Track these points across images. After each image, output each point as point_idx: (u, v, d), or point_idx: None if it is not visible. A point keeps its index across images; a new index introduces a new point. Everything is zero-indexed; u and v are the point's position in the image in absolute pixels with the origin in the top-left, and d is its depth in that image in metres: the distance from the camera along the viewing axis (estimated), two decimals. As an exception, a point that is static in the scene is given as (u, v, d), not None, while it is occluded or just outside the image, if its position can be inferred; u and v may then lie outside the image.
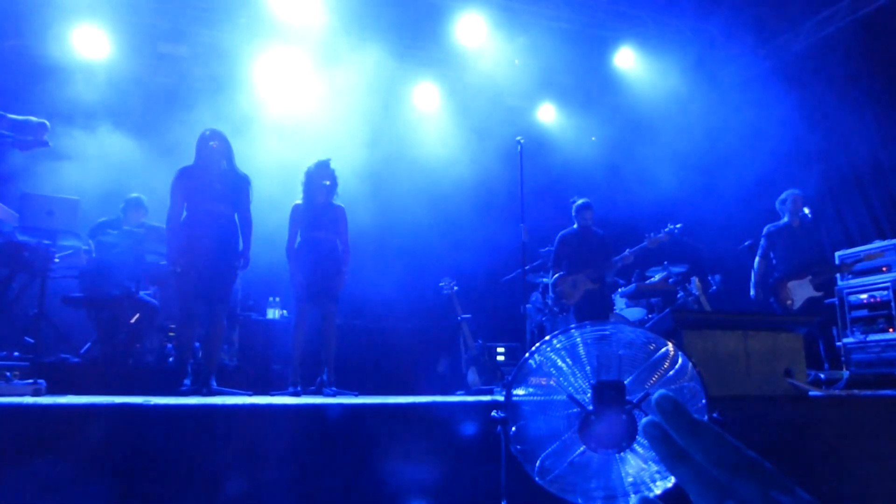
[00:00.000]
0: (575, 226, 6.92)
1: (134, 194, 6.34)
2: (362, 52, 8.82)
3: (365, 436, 2.44)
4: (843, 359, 6.71)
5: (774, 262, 6.59)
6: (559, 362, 1.90)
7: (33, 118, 4.24)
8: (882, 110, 7.70)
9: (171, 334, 6.46)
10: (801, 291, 6.34)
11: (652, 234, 6.62)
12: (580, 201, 6.92)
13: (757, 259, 6.67)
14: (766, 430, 2.76)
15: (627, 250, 6.63)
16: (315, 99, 8.64)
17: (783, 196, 6.65)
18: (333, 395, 5.06)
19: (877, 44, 7.77)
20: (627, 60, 9.60)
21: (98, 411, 2.10)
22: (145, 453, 2.19)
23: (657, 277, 7.85)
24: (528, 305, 7.98)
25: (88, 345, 5.92)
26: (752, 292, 6.64)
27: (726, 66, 9.80)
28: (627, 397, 1.96)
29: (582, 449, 1.95)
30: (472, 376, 7.49)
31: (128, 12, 8.32)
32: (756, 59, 9.52)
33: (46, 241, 5.25)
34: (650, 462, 2.01)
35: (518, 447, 1.95)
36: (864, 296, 7.02)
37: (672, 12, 8.95)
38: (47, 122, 4.22)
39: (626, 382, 1.93)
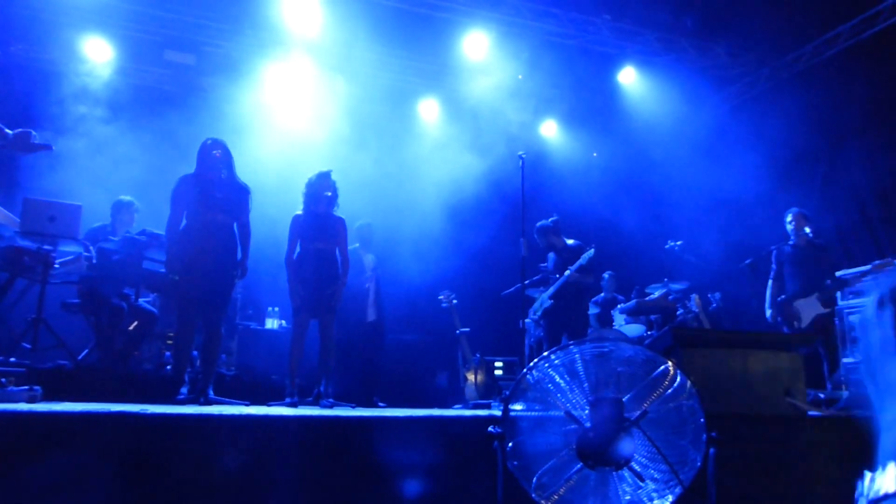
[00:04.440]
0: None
1: (125, 197, 6.29)
2: (367, 65, 8.87)
3: (361, 449, 2.43)
4: (842, 378, 6.68)
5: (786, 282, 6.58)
6: (557, 378, 1.89)
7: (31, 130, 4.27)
8: (884, 131, 7.71)
9: (170, 342, 6.45)
10: (808, 309, 6.32)
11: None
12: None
13: (770, 282, 6.66)
14: (763, 450, 2.75)
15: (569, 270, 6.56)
16: (319, 110, 8.67)
17: (787, 216, 6.64)
18: (330, 407, 5.04)
19: (878, 66, 7.81)
20: (630, 78, 9.64)
21: (94, 419, 2.08)
22: (142, 461, 2.17)
23: (657, 294, 7.84)
24: (527, 320, 7.97)
25: (86, 351, 5.91)
26: (767, 313, 6.61)
27: (730, 85, 9.85)
28: (626, 414, 1.96)
29: (579, 466, 1.94)
30: (470, 390, 7.47)
31: (135, 20, 8.37)
32: (759, 78, 9.56)
33: (47, 247, 5.25)
34: (648, 480, 2.01)
35: (515, 463, 1.94)
36: (863, 316, 6.99)
37: (677, 31, 8.99)
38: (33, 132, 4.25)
39: (624, 399, 1.93)
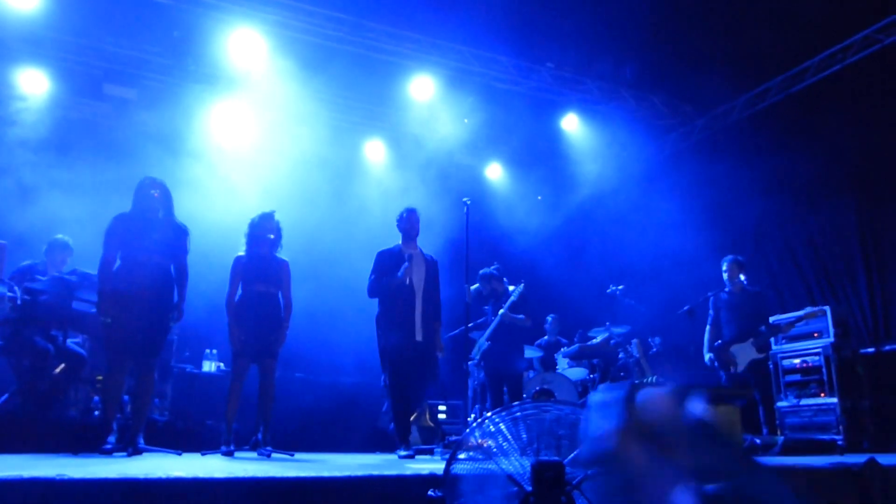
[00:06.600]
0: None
1: (59, 236, 6.07)
2: (314, 103, 8.83)
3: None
4: (777, 422, 6.85)
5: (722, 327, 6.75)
6: (500, 440, 1.86)
7: None
8: (814, 181, 8.07)
9: (99, 386, 6.15)
10: (743, 354, 6.49)
11: None
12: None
13: (707, 327, 6.82)
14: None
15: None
16: (262, 150, 8.58)
17: (722, 264, 6.84)
18: (268, 455, 4.88)
19: (806, 119, 8.22)
20: (573, 125, 9.87)
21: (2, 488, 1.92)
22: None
23: (599, 338, 7.92)
24: (470, 362, 7.94)
25: (6, 396, 5.59)
26: (706, 357, 6.76)
27: (666, 134, 10.18)
28: (567, 477, 1.94)
29: (521, 531, 1.90)
30: (414, 435, 7.35)
31: (74, 52, 8.17)
32: (694, 129, 9.92)
33: (-32, 288, 4.98)
34: (590, 545, 1.98)
35: (456, 528, 1.89)
36: (797, 360, 7.23)
37: (617, 80, 9.29)
38: None
39: (566, 462, 1.91)
